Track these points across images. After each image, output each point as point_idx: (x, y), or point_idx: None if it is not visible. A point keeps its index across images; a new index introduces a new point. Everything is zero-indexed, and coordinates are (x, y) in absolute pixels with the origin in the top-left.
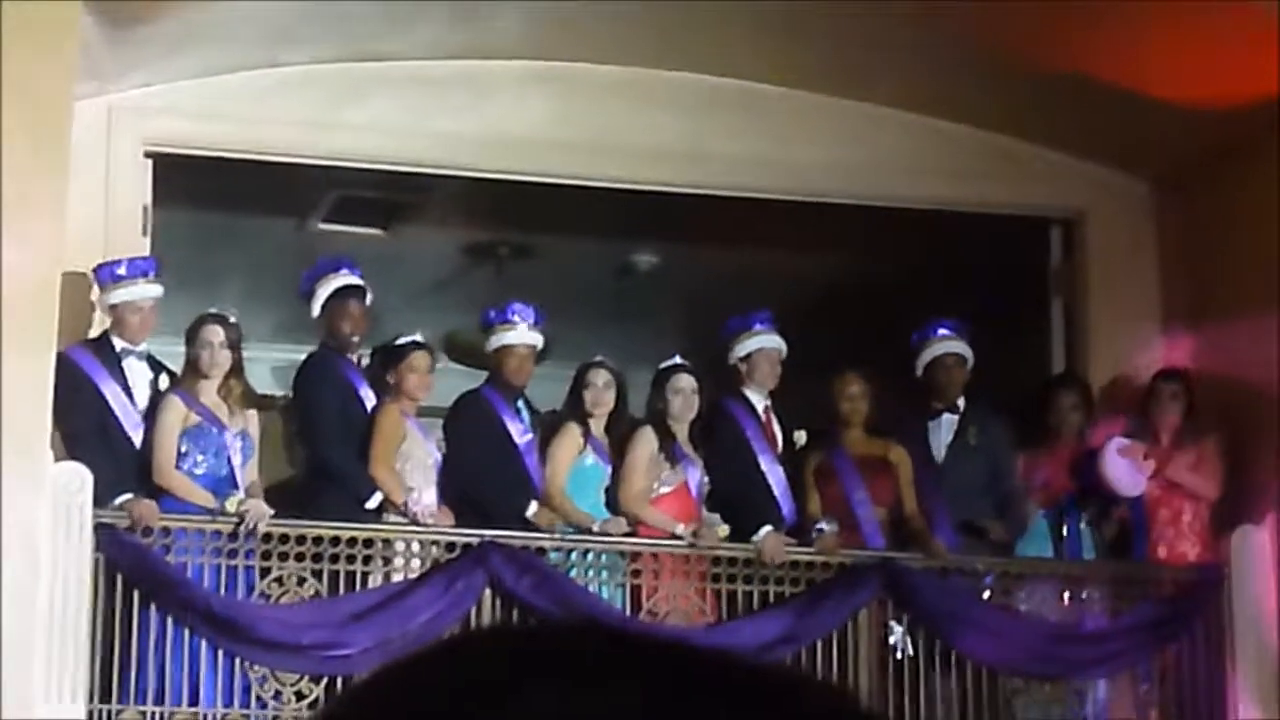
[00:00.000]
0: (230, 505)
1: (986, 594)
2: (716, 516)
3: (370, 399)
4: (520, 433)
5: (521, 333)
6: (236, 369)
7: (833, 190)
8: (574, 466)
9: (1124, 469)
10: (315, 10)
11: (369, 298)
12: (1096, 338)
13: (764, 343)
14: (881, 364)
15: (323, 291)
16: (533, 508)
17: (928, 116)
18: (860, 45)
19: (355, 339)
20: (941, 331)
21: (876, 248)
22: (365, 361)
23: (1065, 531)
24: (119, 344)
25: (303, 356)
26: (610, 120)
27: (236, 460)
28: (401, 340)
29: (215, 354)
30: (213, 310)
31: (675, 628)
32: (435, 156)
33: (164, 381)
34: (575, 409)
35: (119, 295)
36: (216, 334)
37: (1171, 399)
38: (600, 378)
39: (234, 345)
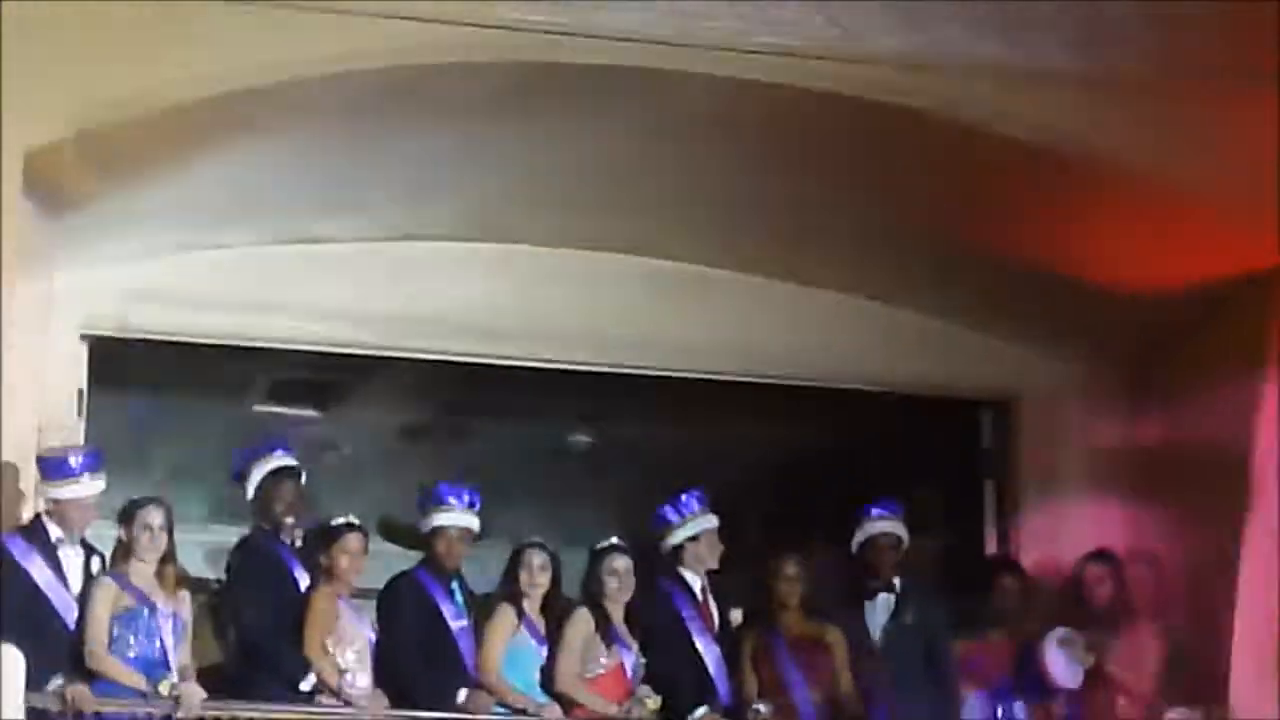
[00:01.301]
0: (163, 688)
1: None
2: (647, 688)
3: (304, 581)
4: (453, 615)
5: (455, 515)
6: (170, 552)
7: (770, 372)
8: (509, 647)
9: (1063, 662)
10: (251, 195)
11: (304, 479)
12: (1028, 519)
13: (701, 525)
14: (816, 543)
15: (257, 473)
16: (463, 694)
17: (866, 300)
18: (799, 230)
19: (289, 520)
20: (876, 512)
21: (811, 428)
22: (299, 543)
23: (1000, 715)
24: (54, 531)
25: (236, 538)
26: (544, 302)
27: (169, 642)
28: (335, 521)
29: (154, 537)
30: (149, 495)
31: None
32: (371, 338)
33: (95, 564)
34: (510, 589)
35: (65, 492)
36: (155, 517)
37: (1099, 581)
38: (536, 558)
39: (169, 529)
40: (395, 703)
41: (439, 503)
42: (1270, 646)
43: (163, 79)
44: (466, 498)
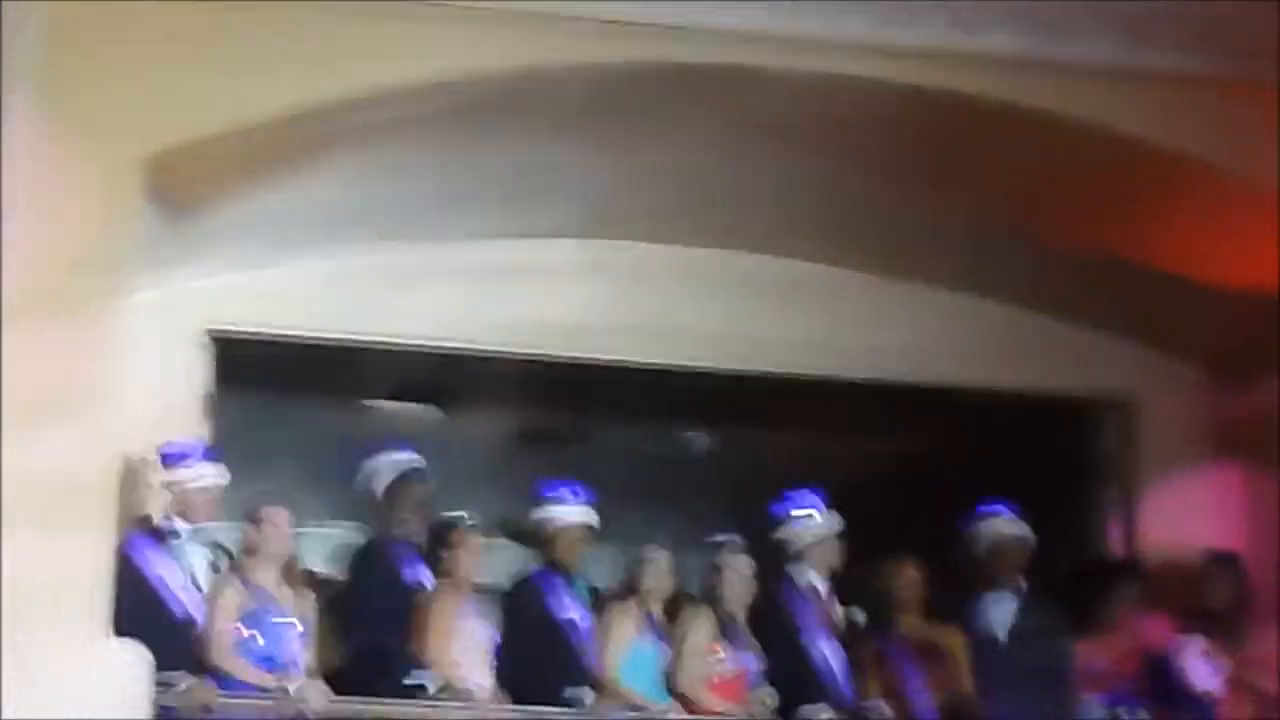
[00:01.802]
0: (290, 686)
1: None
2: (769, 689)
3: (427, 581)
4: (576, 615)
5: (575, 511)
6: (293, 553)
7: (885, 372)
8: (631, 649)
9: (1204, 670)
10: (368, 196)
11: (429, 481)
12: (1149, 523)
13: (820, 525)
14: (932, 547)
15: (386, 474)
16: (589, 698)
17: (981, 299)
18: (910, 228)
19: (414, 521)
20: (1001, 512)
21: (929, 430)
22: (421, 544)
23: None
24: (179, 526)
25: (358, 538)
26: (659, 301)
27: (293, 642)
28: (453, 521)
29: (279, 537)
30: (274, 496)
31: None
32: (488, 338)
33: (223, 562)
34: (632, 590)
35: (185, 477)
36: (280, 517)
37: (1223, 583)
38: (660, 559)
39: (292, 529)
40: (516, 702)
41: (557, 500)
42: None
43: (279, 85)
44: (583, 494)
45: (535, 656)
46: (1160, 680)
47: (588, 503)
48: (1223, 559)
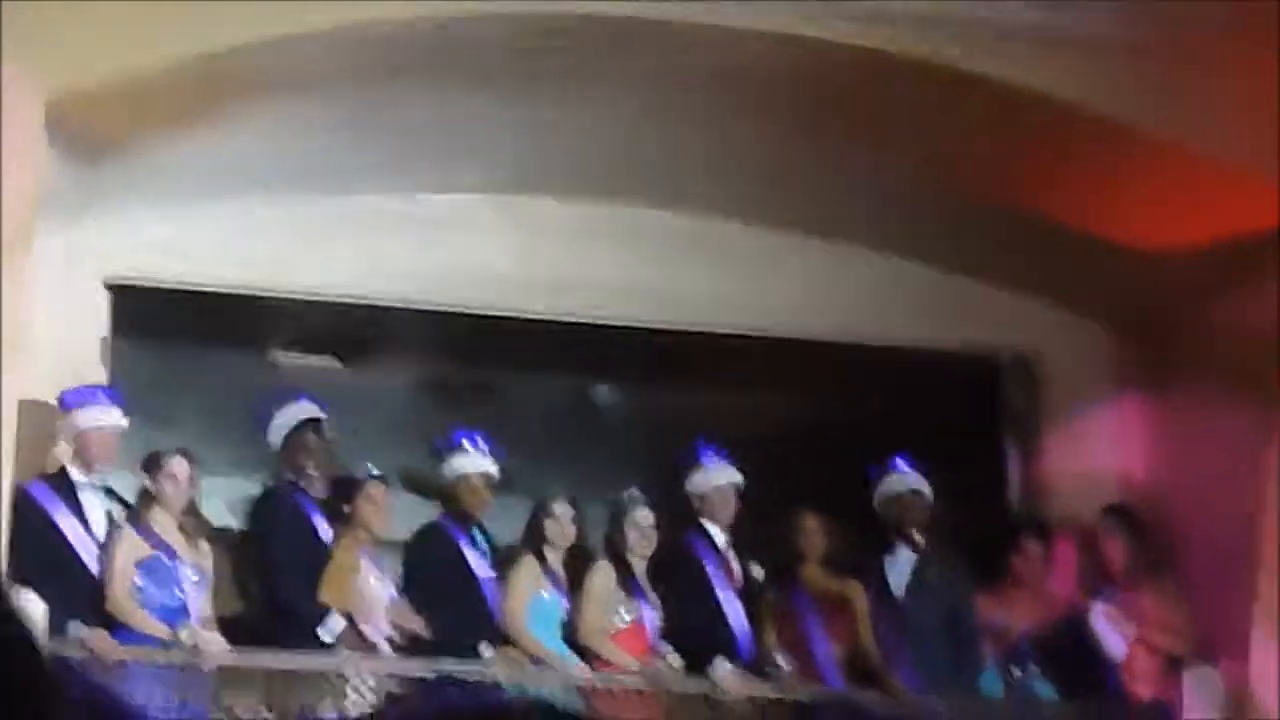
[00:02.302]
0: (184, 636)
1: None
2: (670, 648)
3: (327, 532)
4: (480, 565)
5: (475, 460)
6: (193, 503)
7: (793, 328)
8: (532, 599)
9: (1112, 634)
10: (276, 147)
11: (329, 430)
12: (1051, 477)
13: (723, 478)
14: (836, 500)
15: (282, 424)
16: (488, 651)
17: (888, 255)
18: (821, 184)
19: (314, 472)
20: (903, 467)
21: (835, 385)
22: (323, 494)
23: (1019, 672)
24: (77, 476)
25: (259, 489)
26: (570, 256)
27: (190, 592)
28: (359, 472)
29: (179, 487)
30: (174, 445)
31: None
32: (395, 290)
33: (117, 511)
34: (534, 541)
35: (85, 421)
36: (180, 467)
37: (1113, 538)
38: (561, 511)
39: (193, 480)
40: (420, 652)
41: (458, 450)
42: None
43: (187, 30)
44: (484, 444)
45: (442, 606)
46: (1066, 639)
47: (490, 453)
48: (1119, 513)
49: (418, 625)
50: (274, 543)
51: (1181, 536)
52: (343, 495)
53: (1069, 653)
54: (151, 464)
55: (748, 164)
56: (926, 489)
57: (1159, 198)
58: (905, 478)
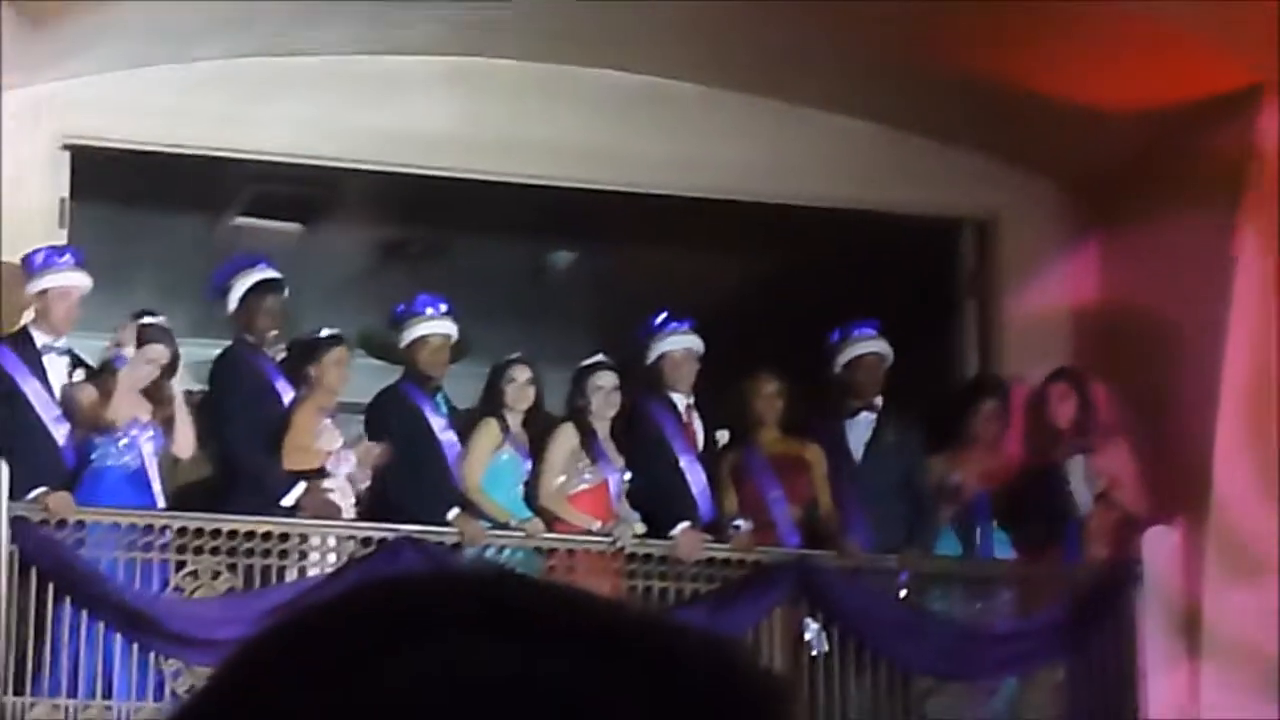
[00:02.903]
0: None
1: (902, 593)
2: (634, 514)
3: (287, 394)
4: (441, 427)
5: (434, 323)
6: (172, 365)
7: (750, 190)
8: (492, 462)
9: (1083, 488)
10: (230, 7)
11: (285, 293)
12: (1008, 340)
13: (683, 343)
14: (795, 363)
15: (239, 286)
16: (454, 512)
17: (845, 117)
18: (777, 45)
19: (271, 334)
20: (862, 330)
21: (791, 248)
22: (281, 356)
23: (977, 532)
24: (39, 338)
25: (218, 352)
26: (525, 117)
27: (148, 449)
28: (319, 334)
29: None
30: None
31: None
32: (349, 152)
33: (79, 375)
34: (493, 404)
35: (47, 281)
36: (158, 352)
37: (1062, 399)
38: (520, 374)
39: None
40: (383, 515)
41: (415, 314)
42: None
43: None
44: (443, 306)
45: (404, 468)
46: (1029, 497)
47: (447, 314)
48: (1064, 373)
49: (383, 455)
50: (233, 405)
51: (1135, 397)
52: (305, 357)
53: (1029, 511)
54: (121, 334)
55: (705, 25)
56: (888, 351)
57: (1109, 59)
58: (867, 341)
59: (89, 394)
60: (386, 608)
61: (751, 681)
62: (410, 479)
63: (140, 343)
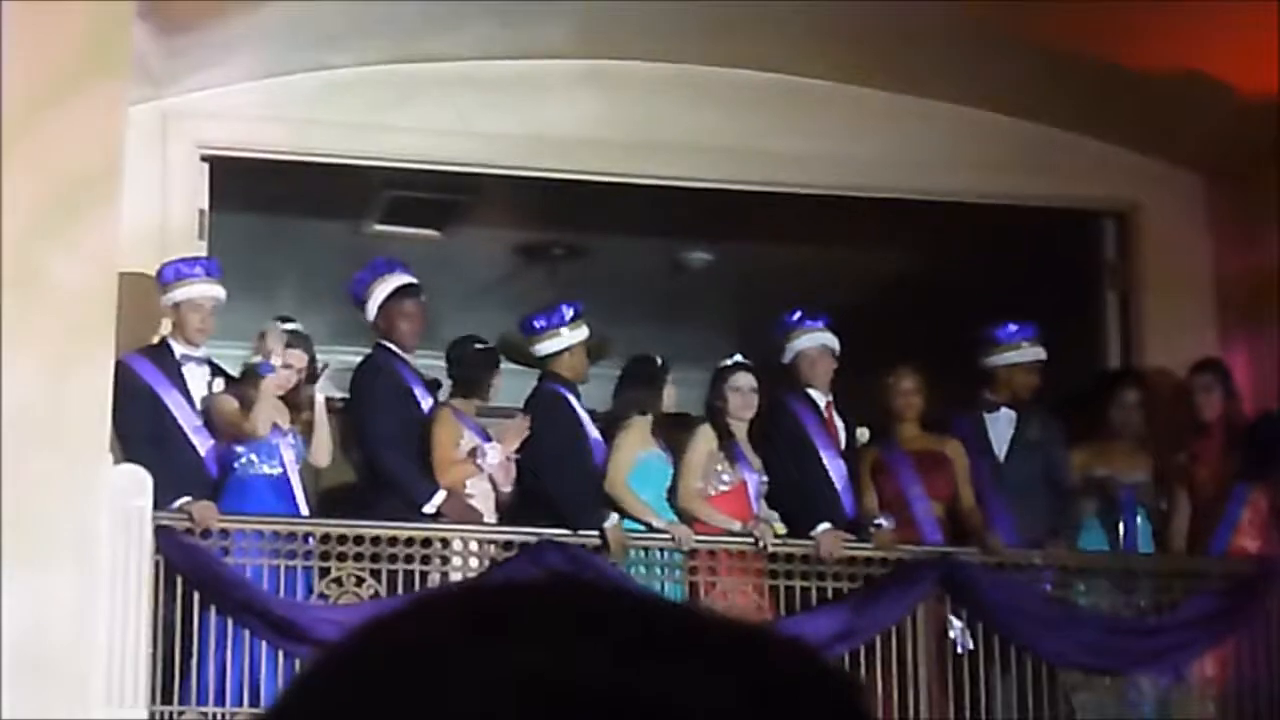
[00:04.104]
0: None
1: (1046, 587)
2: (774, 515)
3: (426, 400)
4: (592, 428)
5: (569, 333)
6: (312, 374)
7: (887, 186)
8: (642, 461)
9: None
10: (364, 13)
11: (423, 297)
12: (1152, 331)
13: (819, 340)
14: (935, 359)
15: (379, 293)
16: (611, 519)
17: (981, 110)
18: (911, 40)
19: (412, 340)
20: (1019, 333)
21: (929, 243)
22: (454, 362)
23: (1122, 526)
24: (178, 349)
25: (358, 359)
26: (660, 118)
27: (289, 457)
28: (469, 340)
29: (287, 372)
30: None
31: None
32: (486, 156)
33: (219, 384)
34: (642, 403)
35: (181, 293)
36: (297, 358)
37: (1207, 390)
38: (667, 375)
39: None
40: (530, 515)
41: (553, 327)
42: None
43: None
44: (574, 312)
45: (558, 468)
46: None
47: (578, 316)
48: (1209, 366)
49: (522, 428)
50: (373, 411)
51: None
52: (457, 363)
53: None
54: (261, 341)
55: (840, 21)
56: (1042, 355)
57: (1248, 46)
58: (1020, 349)
59: (230, 403)
60: (467, 605)
61: (840, 684)
62: (569, 477)
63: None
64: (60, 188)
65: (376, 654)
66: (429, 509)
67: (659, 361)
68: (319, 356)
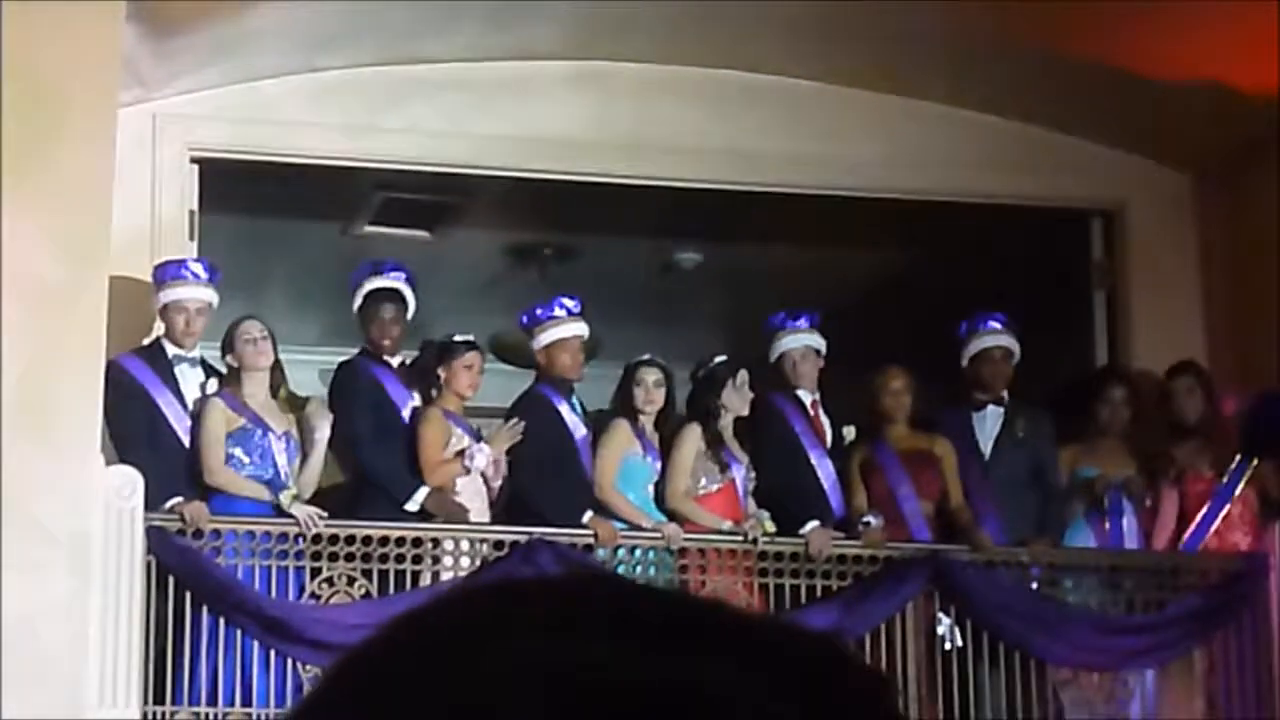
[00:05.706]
0: (285, 498)
1: (1034, 585)
2: (764, 513)
3: (404, 402)
4: (578, 429)
5: (571, 325)
6: (279, 369)
7: (876, 186)
8: (623, 462)
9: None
10: (354, 14)
11: (410, 300)
12: (1138, 330)
13: (804, 340)
14: (923, 358)
15: (359, 295)
16: (588, 515)
17: (968, 110)
18: (898, 40)
19: (386, 343)
20: (990, 324)
21: (917, 243)
22: (410, 360)
23: (1109, 523)
24: (170, 350)
25: (343, 359)
26: (651, 119)
27: (281, 461)
28: (454, 339)
29: (258, 346)
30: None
31: None
32: (477, 158)
33: (212, 385)
34: (625, 405)
35: (167, 295)
36: (254, 327)
37: (1188, 394)
38: (651, 375)
39: (272, 341)
40: (519, 518)
41: (550, 317)
42: None
43: None
44: (575, 306)
45: (542, 468)
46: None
47: (580, 315)
48: (1187, 368)
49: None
50: (352, 414)
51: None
52: (440, 360)
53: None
54: (230, 333)
55: (830, 23)
56: (1016, 346)
57: (1236, 45)
58: (995, 335)
59: (216, 405)
60: (502, 597)
61: (870, 678)
62: (550, 480)
63: (231, 339)
64: (50, 189)
65: (407, 647)
66: (412, 506)
67: (643, 363)
68: (311, 360)
